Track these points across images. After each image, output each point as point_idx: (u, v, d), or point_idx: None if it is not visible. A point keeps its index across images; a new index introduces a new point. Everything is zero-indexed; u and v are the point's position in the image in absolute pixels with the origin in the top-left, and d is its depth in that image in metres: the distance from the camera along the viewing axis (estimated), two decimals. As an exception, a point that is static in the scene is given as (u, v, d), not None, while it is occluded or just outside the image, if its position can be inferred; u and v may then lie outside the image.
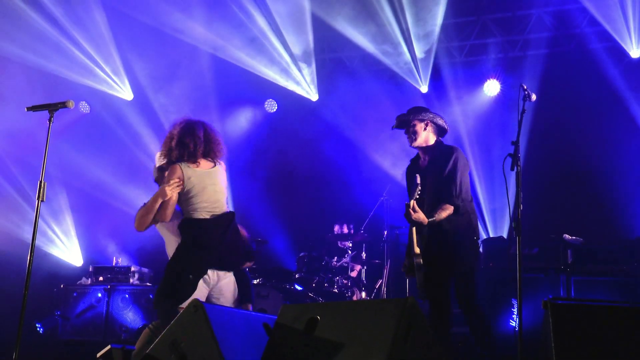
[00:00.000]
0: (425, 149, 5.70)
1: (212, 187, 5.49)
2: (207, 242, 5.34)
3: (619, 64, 9.67)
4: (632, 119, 9.46)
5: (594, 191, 9.56)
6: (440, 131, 5.78)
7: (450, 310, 5.34)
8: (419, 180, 5.19)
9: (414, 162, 5.89)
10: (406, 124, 5.72)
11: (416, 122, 5.66)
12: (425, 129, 5.68)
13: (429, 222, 5.24)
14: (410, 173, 5.81)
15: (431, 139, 5.70)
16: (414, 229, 5.35)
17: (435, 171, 5.51)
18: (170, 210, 5.42)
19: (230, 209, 5.68)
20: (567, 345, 3.54)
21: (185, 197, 5.42)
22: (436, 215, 5.26)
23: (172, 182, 5.31)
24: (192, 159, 5.47)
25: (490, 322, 5.54)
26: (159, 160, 5.80)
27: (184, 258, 5.40)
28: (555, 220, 9.34)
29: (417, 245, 5.35)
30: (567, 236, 7.82)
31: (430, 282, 5.30)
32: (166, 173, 5.47)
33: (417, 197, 5.20)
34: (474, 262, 5.43)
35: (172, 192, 5.33)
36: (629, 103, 9.51)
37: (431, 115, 5.70)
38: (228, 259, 5.42)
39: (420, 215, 5.21)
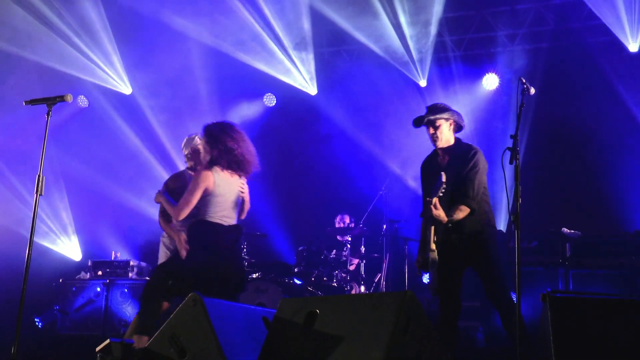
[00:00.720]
0: (446, 149, 5.64)
1: (233, 197, 5.60)
2: (217, 246, 5.48)
3: (618, 58, 9.66)
4: (630, 113, 9.46)
5: (592, 185, 9.57)
6: (458, 129, 5.73)
7: (460, 306, 5.40)
8: (444, 179, 5.10)
9: (431, 159, 5.82)
10: (431, 123, 5.59)
11: (442, 122, 5.57)
12: (449, 129, 5.62)
13: (447, 221, 5.23)
14: (428, 170, 5.76)
15: (452, 138, 5.66)
16: (432, 226, 5.32)
17: (455, 171, 5.46)
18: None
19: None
20: (565, 338, 3.55)
21: (206, 201, 5.50)
22: (454, 216, 5.26)
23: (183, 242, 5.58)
24: (228, 166, 5.57)
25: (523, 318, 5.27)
26: (195, 146, 6.17)
27: (176, 260, 5.61)
28: (554, 213, 9.34)
29: (433, 242, 5.33)
30: (565, 230, 7.83)
31: (444, 278, 5.31)
32: (195, 174, 5.66)
33: (441, 194, 5.15)
34: (495, 258, 5.40)
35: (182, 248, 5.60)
36: (627, 97, 9.51)
37: (455, 116, 5.63)
38: (232, 272, 5.56)
39: (441, 214, 5.18)
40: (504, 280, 5.36)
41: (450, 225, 5.30)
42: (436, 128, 5.56)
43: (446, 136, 5.59)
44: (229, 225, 5.57)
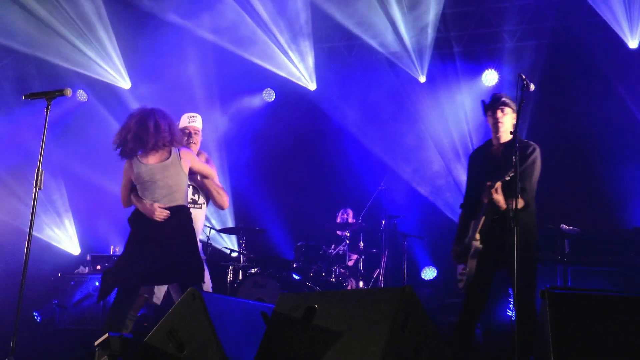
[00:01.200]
0: (503, 140, 5.44)
1: (164, 181, 5.46)
2: (148, 237, 5.37)
3: (617, 55, 9.66)
4: (630, 110, 9.46)
5: (591, 181, 9.58)
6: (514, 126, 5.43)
7: (484, 307, 5.25)
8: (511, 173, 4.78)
9: (484, 149, 5.62)
10: (502, 106, 5.39)
11: (510, 111, 5.39)
12: (513, 120, 5.38)
13: (505, 208, 4.96)
14: (479, 159, 5.59)
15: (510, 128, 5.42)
16: (483, 215, 5.13)
17: (511, 165, 5.08)
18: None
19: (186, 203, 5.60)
20: (564, 335, 3.55)
21: (137, 192, 5.52)
22: (511, 204, 4.92)
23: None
24: (144, 152, 5.50)
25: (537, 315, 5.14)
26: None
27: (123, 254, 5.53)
28: (553, 210, 9.34)
29: (479, 231, 5.15)
30: (564, 226, 7.83)
31: (480, 272, 5.13)
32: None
33: (507, 179, 4.89)
34: (533, 261, 5.19)
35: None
36: (627, 94, 9.52)
37: (514, 105, 5.37)
38: (166, 261, 5.35)
39: (502, 199, 4.98)
40: (534, 293, 5.06)
41: (497, 217, 5.08)
42: (503, 114, 5.38)
43: (507, 127, 5.40)
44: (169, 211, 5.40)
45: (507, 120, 5.38)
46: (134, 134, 5.47)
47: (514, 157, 4.65)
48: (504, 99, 5.38)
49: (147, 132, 5.45)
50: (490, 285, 5.25)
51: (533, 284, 5.10)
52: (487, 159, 5.44)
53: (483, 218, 5.12)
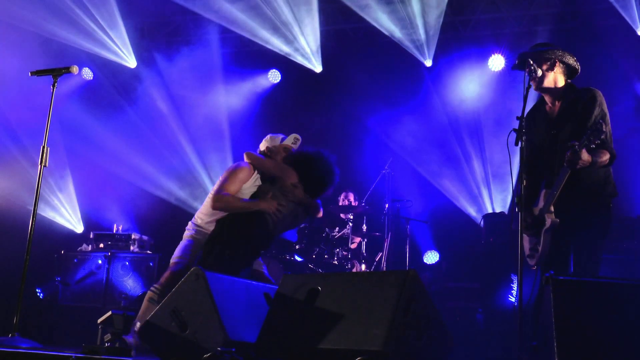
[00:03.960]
0: (554, 92, 4.99)
1: None
2: None
3: (626, 42, 9.60)
4: (637, 98, 9.42)
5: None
6: (570, 72, 5.03)
7: None
8: (604, 128, 4.43)
9: (537, 109, 5.17)
10: (538, 58, 4.93)
11: (537, 62, 4.88)
12: (552, 69, 4.93)
13: (591, 162, 4.50)
14: (533, 123, 5.09)
15: (560, 80, 4.98)
16: (559, 187, 4.66)
17: (577, 117, 4.82)
18: None
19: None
20: (567, 321, 3.56)
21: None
22: (598, 158, 4.57)
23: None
24: None
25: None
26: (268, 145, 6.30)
27: None
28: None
29: (553, 204, 4.74)
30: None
31: (559, 246, 4.76)
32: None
33: (594, 147, 4.46)
34: (604, 235, 4.80)
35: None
36: (634, 81, 9.47)
37: (559, 53, 4.95)
38: None
39: (586, 156, 4.46)
40: (599, 264, 4.75)
41: (575, 186, 4.67)
42: (546, 65, 4.92)
43: (550, 78, 4.93)
44: None
45: (547, 76, 4.94)
46: None
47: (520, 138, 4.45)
48: (532, 51, 4.97)
49: None
50: (569, 257, 4.80)
51: (593, 266, 4.71)
52: (545, 121, 5.02)
53: (559, 188, 4.66)
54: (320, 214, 6.39)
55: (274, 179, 5.99)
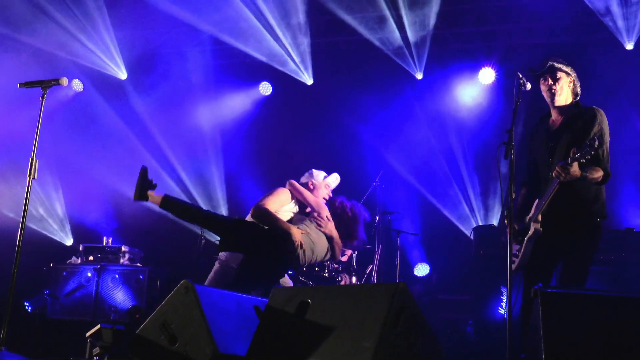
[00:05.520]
0: (562, 109, 5.11)
1: None
2: None
3: (614, 55, 9.67)
4: (624, 112, 9.46)
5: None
6: (576, 95, 5.17)
7: None
8: (596, 144, 4.50)
9: (542, 122, 5.27)
10: (551, 72, 5.05)
11: (564, 75, 5.05)
12: (569, 85, 5.08)
13: (580, 176, 4.61)
14: (537, 135, 5.24)
15: (570, 98, 5.13)
16: (549, 197, 4.74)
17: (576, 133, 4.91)
18: None
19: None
20: (556, 332, 3.56)
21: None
22: (588, 173, 4.66)
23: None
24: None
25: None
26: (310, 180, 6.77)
27: None
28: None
29: (541, 213, 4.82)
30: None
31: (540, 256, 4.84)
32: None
33: (584, 161, 4.53)
34: (592, 251, 4.87)
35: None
36: (621, 95, 9.52)
37: (575, 76, 5.13)
38: None
39: (575, 169, 4.56)
40: (585, 279, 4.82)
41: (565, 198, 4.73)
42: (556, 80, 5.04)
43: (565, 93, 5.07)
44: None
45: (564, 84, 5.06)
46: None
47: (511, 153, 4.48)
48: (553, 63, 5.06)
49: None
50: (552, 270, 4.93)
51: (584, 277, 4.79)
52: (547, 132, 5.10)
53: (550, 198, 4.76)
54: (341, 257, 7.17)
55: (309, 212, 6.52)
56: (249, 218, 6.26)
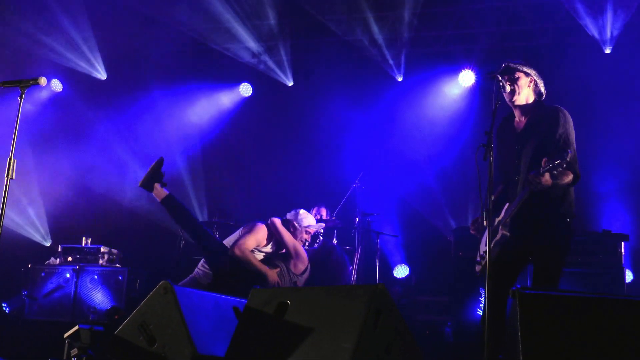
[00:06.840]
0: (524, 108, 5.07)
1: None
2: None
3: (594, 59, 9.76)
4: (603, 115, 9.53)
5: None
6: (539, 94, 5.12)
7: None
8: (569, 158, 4.42)
9: (505, 123, 5.24)
10: (508, 72, 5.00)
11: (522, 75, 5.01)
12: (529, 85, 5.03)
13: (552, 184, 4.54)
14: (502, 137, 5.20)
15: (531, 97, 5.07)
16: (517, 204, 4.73)
17: (541, 134, 4.89)
18: None
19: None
20: (533, 335, 3.58)
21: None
22: (559, 180, 4.61)
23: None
24: None
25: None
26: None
27: None
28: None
29: (510, 217, 4.81)
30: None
31: (506, 260, 4.82)
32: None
33: (555, 173, 4.48)
34: (563, 252, 4.85)
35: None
36: (601, 99, 9.60)
37: (537, 76, 5.07)
38: None
39: (547, 179, 4.49)
40: (557, 283, 4.82)
41: (534, 205, 4.71)
42: (513, 80, 5.00)
43: (525, 93, 5.03)
44: None
45: (522, 84, 5.02)
46: None
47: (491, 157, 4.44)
48: (509, 64, 5.06)
49: None
50: (517, 274, 4.93)
51: (556, 279, 4.80)
52: (511, 134, 5.10)
53: (518, 206, 4.75)
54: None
55: (286, 255, 6.69)
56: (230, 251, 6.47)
